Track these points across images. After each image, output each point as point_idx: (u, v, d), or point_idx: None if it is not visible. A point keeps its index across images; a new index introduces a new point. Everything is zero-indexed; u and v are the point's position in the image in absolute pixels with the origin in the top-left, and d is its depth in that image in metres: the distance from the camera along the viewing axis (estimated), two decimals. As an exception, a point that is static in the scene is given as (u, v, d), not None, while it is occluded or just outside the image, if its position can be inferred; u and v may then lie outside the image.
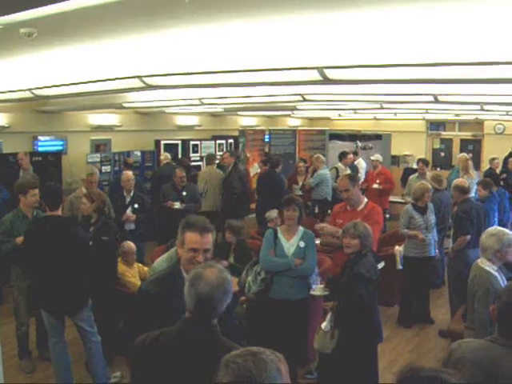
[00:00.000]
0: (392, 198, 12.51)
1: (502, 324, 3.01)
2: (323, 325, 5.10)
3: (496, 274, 4.71)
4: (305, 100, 8.55)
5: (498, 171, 12.98)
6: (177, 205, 9.48)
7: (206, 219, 3.56)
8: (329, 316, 5.10)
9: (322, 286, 5.39)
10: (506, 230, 5.00)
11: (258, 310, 5.92)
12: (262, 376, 2.10)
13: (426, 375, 1.95)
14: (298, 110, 12.84)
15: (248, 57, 4.78)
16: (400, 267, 7.99)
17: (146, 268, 7.11)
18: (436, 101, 7.38)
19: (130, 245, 6.97)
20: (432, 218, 8.01)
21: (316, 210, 11.02)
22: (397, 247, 8.09)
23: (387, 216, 12.42)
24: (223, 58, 4.98)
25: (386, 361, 6.49)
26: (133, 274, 6.84)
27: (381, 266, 5.82)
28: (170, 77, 5.91)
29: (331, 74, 4.85)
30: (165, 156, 11.93)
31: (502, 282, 4.70)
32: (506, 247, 4.73)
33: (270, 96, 8.24)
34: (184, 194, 9.65)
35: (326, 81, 4.94)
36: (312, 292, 5.50)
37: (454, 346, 3.12)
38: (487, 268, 4.73)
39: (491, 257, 4.74)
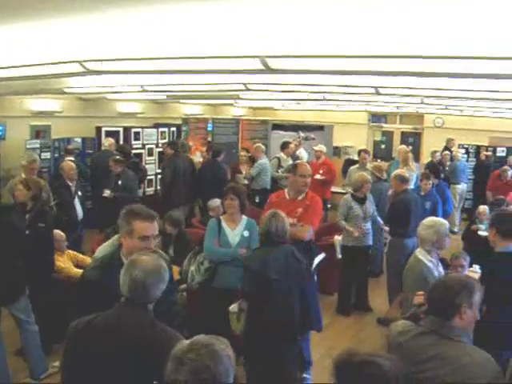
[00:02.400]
0: (333, 189, 12.65)
1: (432, 312, 3.11)
2: (231, 307, 5.12)
3: (430, 264, 4.85)
4: (248, 89, 8.52)
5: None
6: (106, 193, 9.45)
7: (145, 207, 3.59)
8: (240, 300, 5.12)
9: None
10: (442, 221, 5.15)
11: (201, 299, 5.91)
12: (218, 368, 2.14)
13: (361, 360, 2.00)
14: (241, 99, 12.80)
15: (190, 44, 4.71)
16: (339, 256, 8.12)
17: (82, 256, 7.06)
18: (377, 93, 7.45)
19: (58, 232, 6.86)
20: (371, 208, 8.16)
21: (257, 200, 11.05)
22: (336, 237, 8.22)
23: (329, 206, 12.57)
24: (165, 45, 4.90)
25: (325, 348, 6.58)
26: (64, 261, 6.75)
27: (321, 256, 5.89)
28: (110, 62, 5.79)
29: (273, 63, 4.84)
30: (109, 142, 11.77)
31: (438, 273, 4.85)
32: (443, 237, 4.88)
33: (212, 84, 8.17)
34: (119, 182, 9.61)
35: (268, 70, 4.91)
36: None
37: (389, 329, 3.27)
38: (421, 257, 4.89)
39: (429, 248, 4.90)
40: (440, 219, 5.30)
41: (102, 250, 5.01)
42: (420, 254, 4.95)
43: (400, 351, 3.04)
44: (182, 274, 6.20)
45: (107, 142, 11.80)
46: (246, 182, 11.64)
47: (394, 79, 6.44)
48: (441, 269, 5.00)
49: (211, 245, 5.76)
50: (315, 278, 6.00)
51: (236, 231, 5.82)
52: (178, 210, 9.83)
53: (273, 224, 4.88)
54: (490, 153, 15.82)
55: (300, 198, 6.07)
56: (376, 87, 7.21)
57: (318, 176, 11.73)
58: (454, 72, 4.91)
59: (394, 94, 8.26)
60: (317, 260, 5.91)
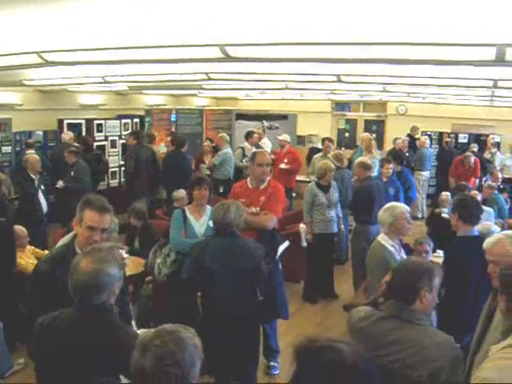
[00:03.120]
0: (298, 177, 12.69)
1: (393, 297, 3.15)
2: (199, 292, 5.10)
3: (391, 248, 4.91)
4: (210, 79, 8.48)
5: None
6: (59, 184, 9.50)
7: (104, 199, 3.54)
8: None
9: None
10: (399, 204, 5.25)
11: (168, 291, 5.87)
12: (183, 355, 2.13)
13: (320, 345, 2.00)
14: (204, 89, 12.73)
15: (150, 33, 4.65)
16: (304, 244, 8.16)
17: (42, 251, 6.97)
18: (339, 81, 7.48)
19: (20, 228, 6.76)
20: (335, 195, 8.21)
21: (221, 190, 11.03)
22: (301, 225, 8.25)
23: (294, 195, 12.62)
24: (126, 34, 4.83)
25: (292, 336, 6.61)
26: (25, 257, 6.66)
27: (285, 245, 5.90)
28: (69, 53, 5.69)
29: (233, 51, 4.81)
30: (69, 136, 11.64)
31: (400, 257, 4.91)
32: (398, 220, 4.96)
33: (174, 74, 8.11)
34: (72, 173, 9.68)
35: (228, 58, 4.89)
36: None
37: (350, 315, 3.31)
38: (383, 242, 4.95)
39: (387, 230, 4.98)
40: (398, 203, 5.40)
41: (61, 243, 4.96)
42: (382, 239, 5.01)
43: (361, 336, 3.07)
44: (147, 266, 6.15)
45: (67, 136, 11.66)
46: (207, 172, 11.60)
47: (356, 66, 6.46)
48: (403, 254, 5.07)
49: (178, 236, 5.72)
50: (280, 266, 6.01)
51: (201, 221, 5.78)
52: (141, 202, 9.80)
53: (220, 214, 4.84)
54: (449, 139, 16.05)
55: (262, 186, 6.04)
56: (338, 75, 7.24)
57: (282, 165, 11.78)
58: (415, 59, 4.95)
59: (355, 82, 8.30)
60: (281, 248, 5.91)
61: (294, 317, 7.62)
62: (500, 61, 4.21)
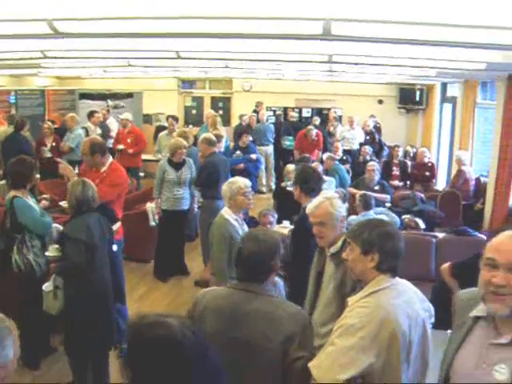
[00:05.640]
0: (145, 156, 12.55)
1: (239, 269, 3.17)
2: (44, 285, 4.92)
3: (235, 223, 4.99)
4: (46, 57, 8.08)
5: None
6: None
7: None
8: (53, 276, 4.95)
9: (56, 246, 5.20)
10: (239, 179, 5.38)
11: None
12: None
13: (150, 321, 1.99)
14: (44, 67, 12.14)
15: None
16: (153, 223, 8.10)
17: None
18: (179, 57, 7.41)
19: None
20: (187, 173, 8.17)
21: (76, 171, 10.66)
22: (148, 204, 8.18)
23: (142, 174, 12.49)
24: None
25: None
26: None
27: (116, 226, 5.81)
28: None
29: (62, 26, 4.61)
30: None
31: (242, 231, 5.00)
32: (235, 195, 5.06)
33: (7, 52, 7.65)
34: None
35: (58, 34, 4.67)
36: (46, 253, 5.31)
37: (199, 295, 3.21)
38: (226, 216, 5.03)
39: (228, 205, 5.05)
40: (240, 178, 5.49)
41: None
42: (226, 213, 5.09)
43: (216, 314, 3.05)
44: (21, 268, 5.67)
45: None
46: (49, 154, 11.18)
47: (195, 42, 6.43)
48: (245, 228, 5.18)
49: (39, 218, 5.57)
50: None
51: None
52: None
53: (83, 191, 4.86)
54: (279, 112, 16.63)
55: (103, 169, 6.12)
56: (177, 51, 7.17)
57: (119, 146, 11.61)
58: (251, 33, 5.00)
59: (195, 58, 8.27)
60: (115, 227, 5.80)
61: (146, 298, 7.60)
62: (327, 35, 4.36)
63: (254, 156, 11.64)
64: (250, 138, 12.37)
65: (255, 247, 3.09)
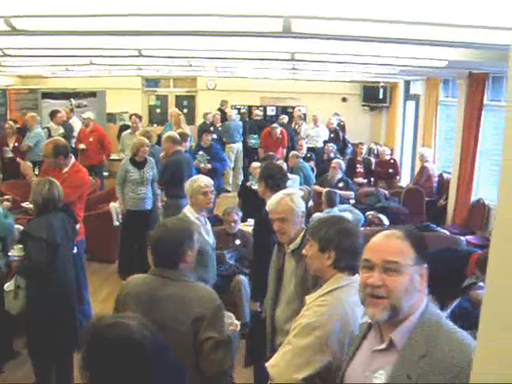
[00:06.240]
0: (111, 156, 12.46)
1: (152, 256, 3.23)
2: (6, 285, 4.86)
3: (197, 221, 4.99)
4: (6, 55, 7.94)
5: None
6: None
7: None
8: (15, 276, 4.88)
9: (20, 246, 5.13)
10: (201, 177, 5.39)
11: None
12: None
13: (107, 323, 1.98)
14: (3, 66, 11.94)
15: None
16: (116, 223, 8.03)
17: None
18: (140, 55, 7.34)
19: None
20: (149, 172, 8.11)
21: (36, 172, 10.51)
22: (112, 204, 8.11)
23: (106, 174, 12.39)
24: None
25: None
26: None
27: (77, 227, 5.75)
28: None
29: (19, 23, 4.53)
30: None
31: (205, 230, 5.02)
32: (196, 193, 5.08)
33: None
34: None
35: (14, 31, 4.59)
36: (10, 253, 5.28)
37: (125, 282, 3.31)
38: (188, 214, 5.02)
39: (190, 203, 5.07)
40: (202, 176, 5.49)
41: None
42: (188, 211, 5.09)
43: (135, 301, 3.07)
44: None
45: None
46: (11, 154, 11.03)
47: (157, 40, 6.39)
48: (208, 227, 5.19)
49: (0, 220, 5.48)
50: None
51: None
52: None
53: (49, 190, 4.81)
54: (244, 110, 16.65)
55: (65, 170, 6.10)
56: (139, 49, 7.11)
57: (81, 146, 11.57)
58: (212, 30, 4.97)
59: (157, 56, 8.21)
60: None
61: (111, 298, 7.46)
62: (287, 32, 4.36)
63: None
64: (214, 136, 12.31)
65: (162, 233, 3.21)
